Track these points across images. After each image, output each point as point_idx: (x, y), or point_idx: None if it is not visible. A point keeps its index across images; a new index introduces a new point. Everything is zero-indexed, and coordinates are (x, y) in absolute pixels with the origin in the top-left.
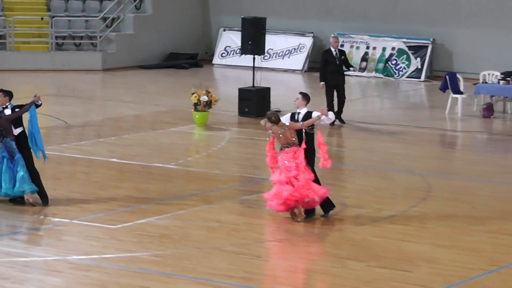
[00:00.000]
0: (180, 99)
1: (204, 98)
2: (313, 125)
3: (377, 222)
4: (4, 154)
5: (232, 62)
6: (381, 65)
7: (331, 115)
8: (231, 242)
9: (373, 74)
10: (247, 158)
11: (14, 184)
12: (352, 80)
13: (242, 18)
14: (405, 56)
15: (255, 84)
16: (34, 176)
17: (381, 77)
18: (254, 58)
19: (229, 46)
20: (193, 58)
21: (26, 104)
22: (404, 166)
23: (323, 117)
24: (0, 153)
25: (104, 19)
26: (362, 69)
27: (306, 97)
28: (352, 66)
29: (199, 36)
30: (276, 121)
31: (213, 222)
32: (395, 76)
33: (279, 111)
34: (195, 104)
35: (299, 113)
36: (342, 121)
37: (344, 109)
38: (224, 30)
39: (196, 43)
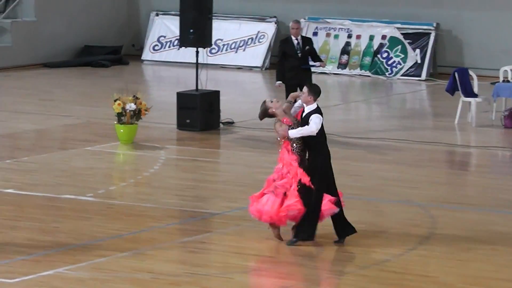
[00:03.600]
0: (99, 108)
1: (131, 106)
2: None
3: (363, 269)
4: None
5: (168, 58)
6: (367, 60)
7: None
8: None
9: (358, 71)
10: (189, 186)
11: None
12: (330, 80)
13: None
14: (400, 47)
15: (199, 87)
16: None
17: (368, 76)
18: (197, 52)
19: (164, 36)
20: (116, 52)
21: None
22: (399, 194)
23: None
24: None
25: None
26: (342, 65)
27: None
28: (320, 60)
29: (123, 23)
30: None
31: (144, 273)
32: (386, 73)
33: (232, 123)
34: (119, 115)
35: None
36: None
37: None
38: (157, 15)
39: (120, 32)
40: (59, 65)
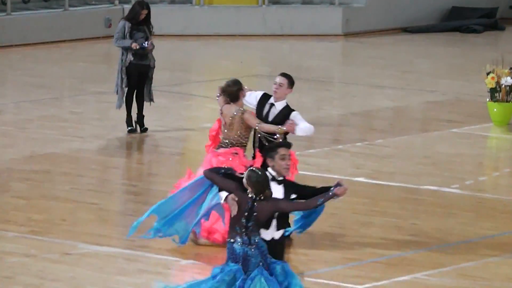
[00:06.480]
0: (469, 82)
1: (507, 80)
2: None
3: None
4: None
5: None
6: None
7: (304, 129)
8: None
9: None
10: None
11: None
12: None
13: None
14: None
15: None
16: None
17: None
18: None
19: None
20: (490, 15)
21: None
22: None
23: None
24: (240, 274)
25: None
26: None
27: (291, 82)
28: None
29: None
30: (234, 95)
31: None
32: None
33: None
34: (493, 91)
35: (272, 105)
36: None
37: None
38: None
39: None
40: (422, 30)
